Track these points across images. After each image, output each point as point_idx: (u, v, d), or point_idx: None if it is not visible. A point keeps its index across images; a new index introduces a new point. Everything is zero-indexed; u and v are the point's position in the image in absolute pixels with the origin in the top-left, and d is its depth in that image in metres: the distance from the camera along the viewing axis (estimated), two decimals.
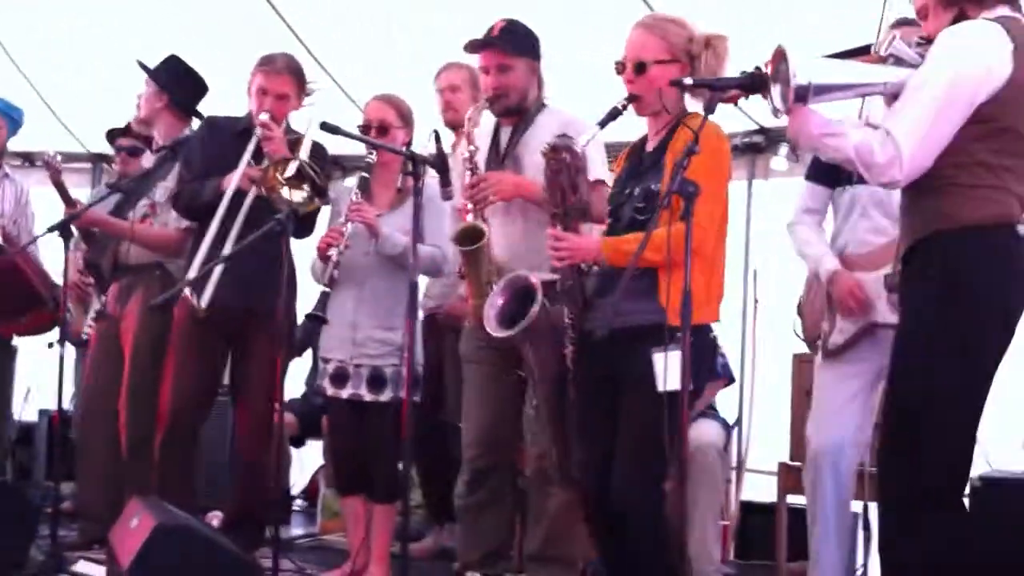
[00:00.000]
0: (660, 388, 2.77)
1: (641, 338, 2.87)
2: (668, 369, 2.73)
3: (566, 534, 3.63)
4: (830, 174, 3.64)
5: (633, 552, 2.97)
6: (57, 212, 4.46)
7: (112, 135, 5.39)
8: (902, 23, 3.45)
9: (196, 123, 4.55)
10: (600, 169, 3.55)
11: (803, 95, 2.61)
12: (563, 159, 3.10)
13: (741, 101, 2.87)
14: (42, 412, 6.09)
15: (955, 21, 2.69)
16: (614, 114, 3.04)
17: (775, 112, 2.72)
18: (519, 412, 3.63)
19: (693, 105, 3.10)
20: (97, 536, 4.27)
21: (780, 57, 2.65)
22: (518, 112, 3.68)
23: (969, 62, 2.61)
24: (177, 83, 4.52)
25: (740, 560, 4.87)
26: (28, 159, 6.40)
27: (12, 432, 5.92)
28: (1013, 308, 2.68)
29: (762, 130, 5.49)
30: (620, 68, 3.09)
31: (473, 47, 3.65)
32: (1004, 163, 2.63)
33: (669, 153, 3.00)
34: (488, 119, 3.77)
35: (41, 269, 4.79)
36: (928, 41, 2.71)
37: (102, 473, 4.46)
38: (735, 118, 4.89)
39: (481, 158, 3.69)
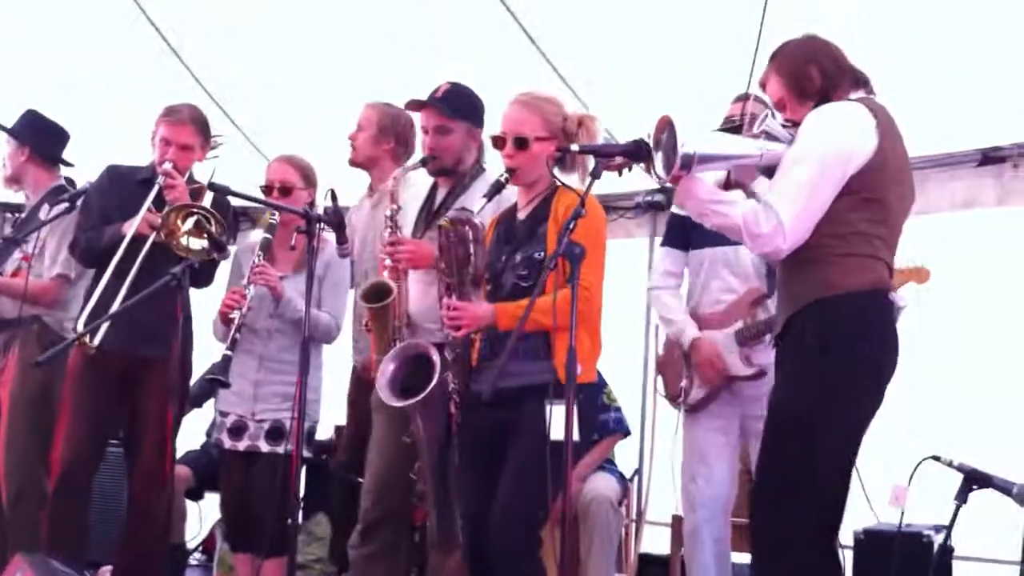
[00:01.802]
0: (555, 436, 2.82)
1: (530, 394, 2.96)
2: (555, 420, 2.81)
3: None
4: (684, 238, 3.87)
5: None
6: None
7: None
8: (743, 98, 3.66)
9: (64, 171, 4.59)
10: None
11: (688, 163, 2.72)
12: (463, 232, 3.19)
13: (625, 169, 2.97)
14: None
15: (815, 107, 2.85)
16: (498, 187, 3.18)
17: (658, 180, 2.82)
18: (413, 463, 3.65)
19: (565, 178, 3.20)
20: None
21: (665, 125, 2.76)
22: (452, 174, 3.72)
23: (838, 137, 2.78)
24: (37, 135, 4.54)
25: None
26: None
27: None
28: (885, 369, 2.81)
29: (663, 189, 5.56)
30: (499, 143, 3.22)
31: (412, 106, 3.70)
32: (878, 232, 2.80)
33: (551, 221, 3.11)
34: (425, 177, 3.81)
35: None
36: (794, 124, 2.86)
37: None
38: (637, 176, 4.97)
39: (410, 216, 3.74)
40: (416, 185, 3.85)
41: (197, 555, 5.95)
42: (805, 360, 2.76)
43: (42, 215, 4.38)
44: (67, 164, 4.59)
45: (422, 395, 3.21)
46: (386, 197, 3.74)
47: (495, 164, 3.72)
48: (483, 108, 3.76)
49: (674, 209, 3.92)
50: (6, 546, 4.09)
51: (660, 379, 4.01)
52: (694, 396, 3.78)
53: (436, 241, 3.32)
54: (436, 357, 3.25)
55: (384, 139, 4.07)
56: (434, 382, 3.21)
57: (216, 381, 3.81)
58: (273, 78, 5.55)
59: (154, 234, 3.95)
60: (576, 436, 2.75)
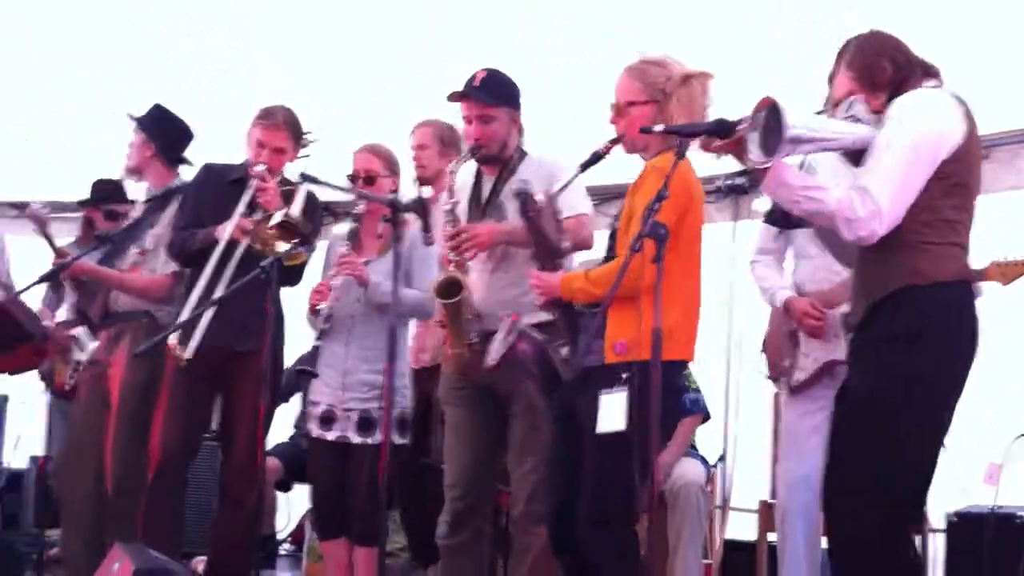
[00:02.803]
0: (600, 429, 2.82)
1: (592, 379, 2.98)
2: (614, 411, 2.81)
3: (549, 571, 3.64)
4: (785, 218, 3.74)
5: None
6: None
7: (100, 187, 5.44)
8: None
9: (184, 169, 4.62)
10: (581, 204, 3.64)
11: (792, 146, 2.65)
12: (530, 207, 3.19)
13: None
14: (32, 459, 6.10)
15: (888, 99, 2.82)
16: (595, 158, 3.15)
17: (750, 163, 2.72)
18: (498, 453, 3.66)
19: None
20: None
21: (766, 106, 2.67)
22: (498, 160, 3.74)
23: (931, 123, 2.75)
24: (163, 132, 4.59)
25: None
26: (21, 209, 6.44)
27: (1, 479, 5.95)
28: (969, 361, 2.78)
29: (745, 172, 5.52)
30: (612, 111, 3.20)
31: (454, 97, 3.71)
32: (961, 218, 2.78)
33: (629, 192, 3.10)
34: (468, 169, 3.83)
35: (29, 310, 4.82)
36: (875, 112, 2.82)
37: (86, 519, 4.48)
38: (720, 159, 4.97)
39: (462, 209, 3.75)
40: (464, 176, 3.85)
41: (287, 546, 6.07)
42: (891, 349, 2.72)
43: (136, 212, 4.48)
44: (188, 163, 4.64)
45: (495, 356, 3.23)
46: (443, 192, 3.76)
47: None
48: (519, 91, 3.77)
49: None
50: (106, 534, 4.20)
51: (763, 358, 3.97)
52: (796, 378, 3.72)
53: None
54: (513, 324, 3.27)
55: (448, 151, 4.17)
56: (507, 346, 3.22)
57: (304, 372, 3.86)
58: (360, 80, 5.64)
59: (246, 239, 4.04)
60: (622, 425, 2.75)
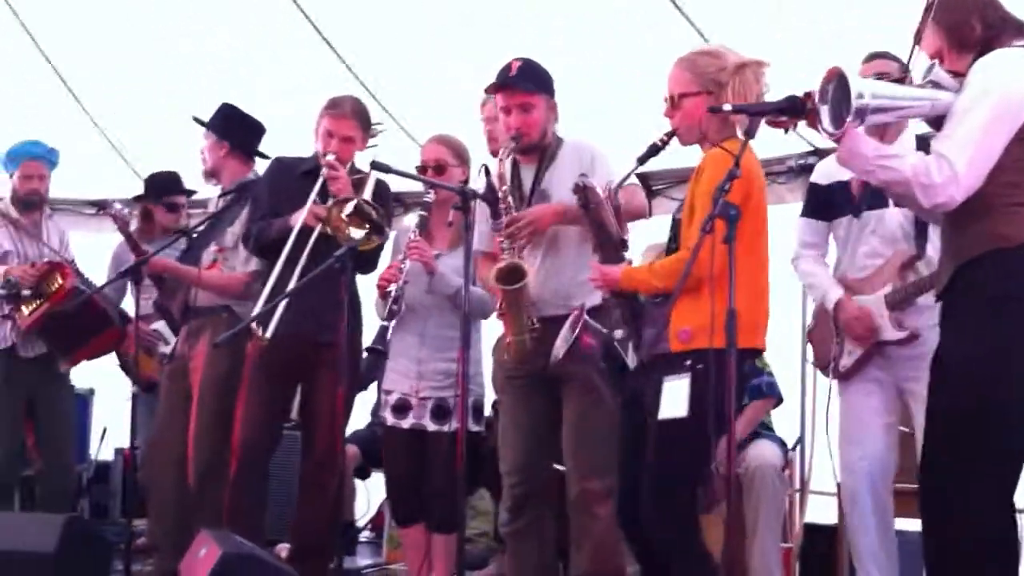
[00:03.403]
0: (663, 416, 2.82)
1: (659, 367, 2.98)
2: (677, 397, 2.82)
3: (613, 552, 3.64)
4: (825, 209, 3.82)
5: (670, 568, 3.01)
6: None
7: (155, 180, 5.54)
8: (876, 56, 3.55)
9: (260, 163, 4.71)
10: (630, 178, 3.60)
11: (862, 115, 2.65)
12: (590, 198, 3.20)
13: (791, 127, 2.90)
14: (118, 451, 6.26)
15: (975, 58, 2.76)
16: (653, 150, 3.15)
17: (825, 135, 2.75)
18: (553, 438, 3.67)
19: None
20: (169, 570, 4.38)
21: (834, 77, 2.68)
22: (538, 149, 3.73)
23: (1011, 83, 2.70)
24: (234, 129, 4.67)
25: None
26: (102, 207, 6.62)
27: (89, 471, 6.12)
28: None
29: (816, 151, 5.47)
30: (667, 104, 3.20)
31: (493, 88, 3.72)
32: None
33: (692, 180, 3.10)
34: (492, 163, 3.83)
35: (107, 296, 4.95)
36: (956, 74, 2.77)
37: (172, 508, 4.59)
38: (789, 139, 4.93)
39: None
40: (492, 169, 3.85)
41: (366, 533, 6.15)
42: (983, 312, 2.68)
43: (211, 207, 4.57)
44: (264, 156, 4.72)
45: (561, 350, 3.24)
46: (496, 180, 3.75)
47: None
48: (552, 78, 3.76)
49: (812, 179, 3.86)
50: (192, 524, 4.30)
51: (810, 348, 3.95)
52: (844, 363, 3.70)
53: None
54: (580, 317, 3.28)
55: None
56: (569, 331, 3.23)
57: (374, 351, 3.90)
58: (417, 62, 5.68)
59: (320, 225, 4.09)
60: (684, 411, 2.76)
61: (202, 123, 4.69)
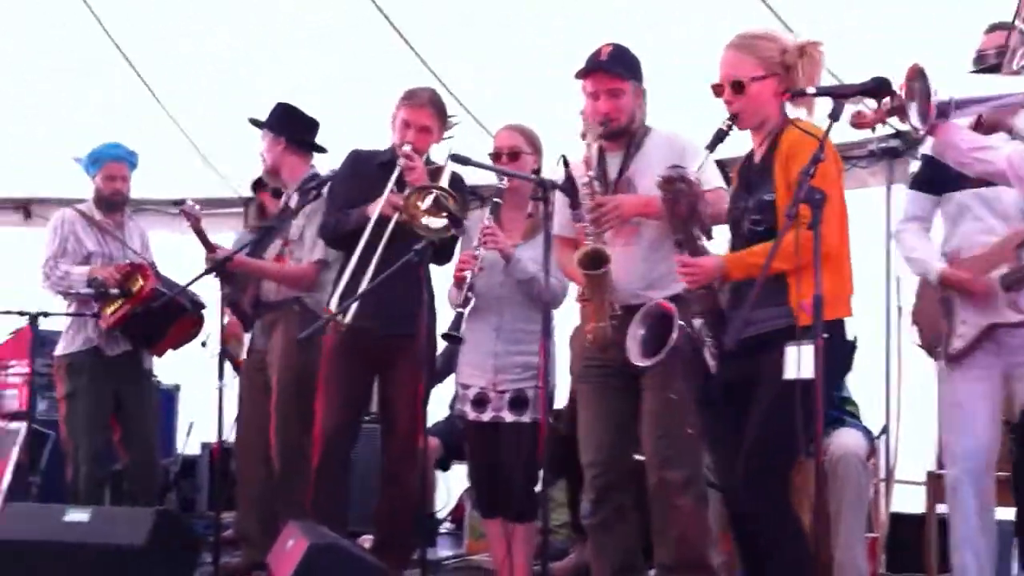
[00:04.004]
0: (791, 375, 2.79)
1: (770, 343, 2.95)
2: (801, 360, 2.77)
3: (698, 541, 3.62)
4: (935, 182, 3.64)
5: (767, 550, 3.00)
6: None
7: (258, 185, 5.66)
8: (997, 27, 3.45)
9: (316, 157, 4.80)
10: (716, 178, 3.60)
11: (945, 110, 2.62)
12: (679, 189, 3.16)
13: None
14: (204, 445, 6.37)
15: None
16: (720, 136, 3.12)
17: (914, 130, 2.74)
18: (634, 428, 3.65)
19: (794, 112, 3.16)
20: (257, 561, 4.46)
21: (916, 74, 2.65)
22: (625, 135, 3.71)
23: None
24: (289, 125, 4.75)
25: (891, 572, 4.77)
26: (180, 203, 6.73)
27: (176, 465, 6.24)
28: None
29: (899, 134, 5.38)
30: (718, 90, 3.16)
31: (583, 73, 3.70)
32: None
33: (776, 161, 3.06)
34: (576, 148, 3.80)
35: (185, 289, 5.03)
36: None
37: (258, 500, 4.66)
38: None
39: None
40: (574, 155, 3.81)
41: (447, 524, 6.19)
42: None
43: (292, 203, 4.64)
44: (321, 150, 4.81)
45: (666, 348, 3.20)
46: (580, 167, 3.75)
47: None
48: (641, 64, 3.72)
49: (924, 150, 3.73)
50: (276, 516, 4.37)
51: (915, 329, 3.85)
52: (956, 346, 3.57)
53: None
54: (675, 314, 3.24)
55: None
56: (675, 334, 3.19)
57: (450, 337, 3.91)
58: (493, 55, 5.69)
59: (397, 215, 4.12)
60: (811, 373, 2.71)
61: (257, 123, 4.78)
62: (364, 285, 4.01)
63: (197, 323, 5.08)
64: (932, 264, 3.62)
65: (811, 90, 2.89)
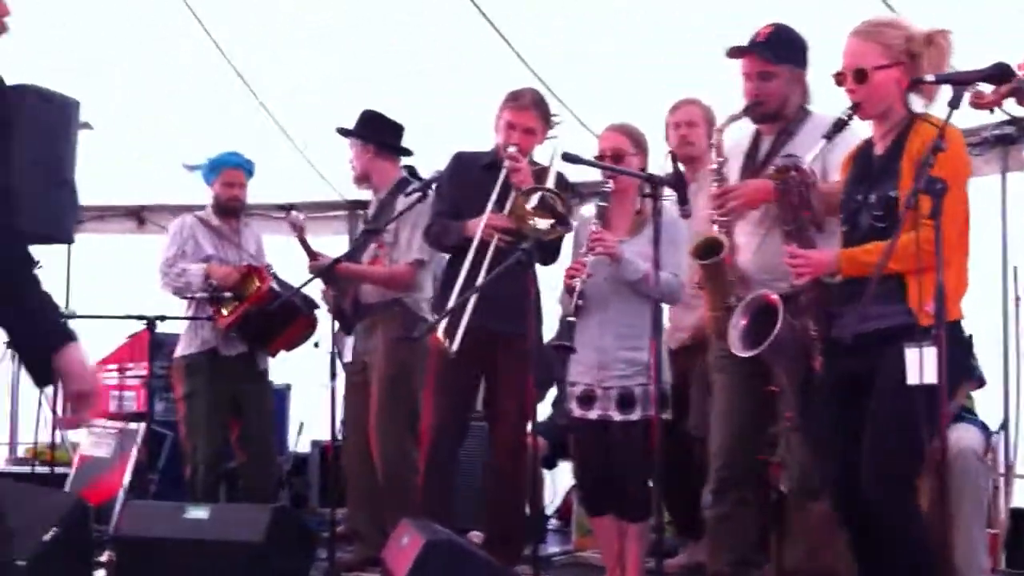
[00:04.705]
0: (912, 381, 2.74)
1: (889, 339, 2.89)
2: (923, 364, 2.71)
3: (827, 548, 3.57)
4: None
5: (889, 551, 2.94)
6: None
7: None
8: None
9: (404, 161, 4.87)
10: (836, 174, 3.52)
11: None
12: (792, 178, 3.12)
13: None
14: (314, 443, 6.49)
15: None
16: (840, 125, 3.08)
17: None
18: (766, 424, 3.61)
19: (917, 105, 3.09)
20: (370, 556, 4.54)
21: None
22: (776, 119, 3.66)
23: None
24: (377, 131, 4.82)
25: (1011, 569, 4.65)
26: (287, 210, 6.86)
27: (288, 463, 6.36)
28: None
29: (1013, 121, 5.23)
30: (840, 79, 3.11)
31: (734, 52, 3.65)
32: None
33: (906, 158, 2.99)
34: (744, 130, 3.76)
35: (299, 291, 5.13)
36: None
37: (366, 498, 4.74)
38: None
39: (735, 169, 3.69)
40: (737, 136, 3.78)
41: (554, 521, 6.20)
42: None
43: (399, 206, 4.70)
44: (408, 153, 4.88)
45: (768, 340, 3.17)
46: (711, 151, 3.71)
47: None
48: (806, 48, 3.66)
49: None
50: (384, 513, 4.43)
51: None
52: None
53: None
54: (780, 306, 3.21)
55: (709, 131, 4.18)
56: (779, 327, 3.15)
57: (562, 347, 3.92)
58: (594, 55, 5.68)
59: (496, 238, 4.14)
60: (933, 378, 2.65)
61: (345, 132, 4.85)
62: (471, 298, 4.03)
63: (311, 324, 5.18)
64: None
65: (930, 78, 2.83)
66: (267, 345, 5.20)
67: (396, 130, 4.89)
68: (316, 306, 5.10)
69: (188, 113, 6.69)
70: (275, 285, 5.02)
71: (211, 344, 5.12)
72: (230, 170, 5.26)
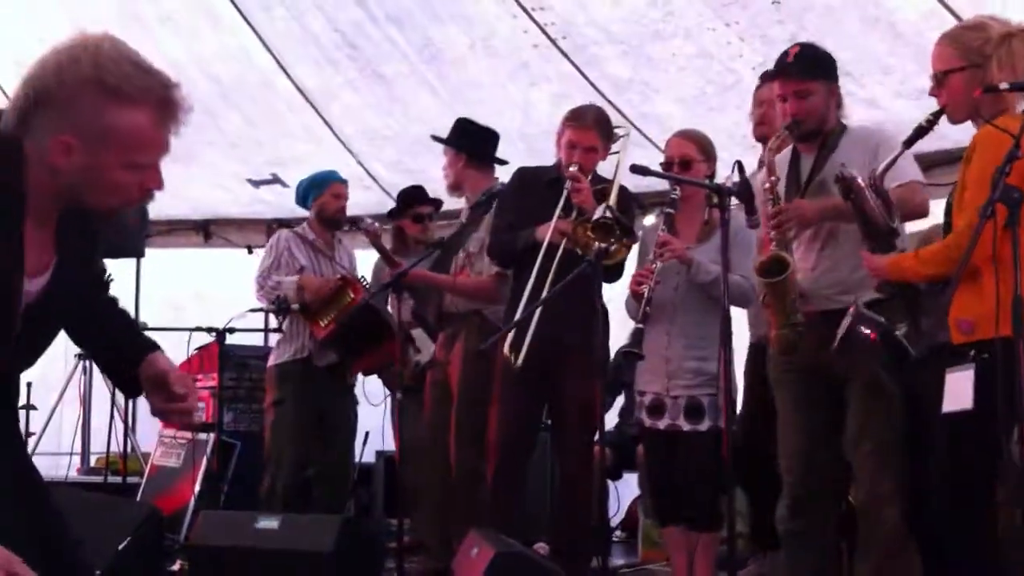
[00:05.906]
0: (948, 407, 2.70)
1: (939, 358, 2.87)
2: (959, 389, 2.69)
3: (899, 563, 3.51)
4: None
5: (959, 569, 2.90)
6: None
7: (402, 194, 5.77)
8: None
9: (498, 170, 4.85)
10: (910, 170, 3.50)
11: None
12: (852, 188, 3.11)
13: None
14: (378, 454, 6.53)
15: None
16: (919, 132, 3.05)
17: None
18: (835, 437, 3.57)
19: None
20: (437, 566, 4.55)
21: None
22: (816, 136, 3.66)
23: None
24: (470, 141, 4.83)
25: None
26: (354, 223, 6.91)
27: (353, 474, 6.41)
28: None
29: None
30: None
31: (769, 76, 3.66)
32: None
33: (963, 162, 2.96)
34: (784, 150, 3.76)
35: (386, 309, 5.19)
36: None
37: (436, 508, 4.76)
38: None
39: (781, 188, 3.68)
40: (780, 156, 3.77)
41: (618, 532, 6.18)
42: None
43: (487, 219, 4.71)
44: (502, 163, 4.89)
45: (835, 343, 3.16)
46: (762, 172, 3.70)
47: None
48: (835, 63, 3.66)
49: None
50: (452, 522, 4.45)
51: None
52: None
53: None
54: (852, 309, 3.20)
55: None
56: (846, 321, 3.15)
57: (631, 354, 3.91)
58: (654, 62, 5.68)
59: (565, 240, 4.15)
60: (969, 404, 2.63)
61: (440, 140, 4.87)
62: (537, 310, 4.03)
63: (394, 352, 5.17)
64: None
65: (1004, 86, 2.77)
66: (356, 359, 5.24)
67: (490, 139, 4.89)
68: (408, 335, 5.08)
69: (250, 129, 6.79)
70: (368, 298, 5.07)
71: (305, 352, 5.18)
72: (336, 183, 5.37)
